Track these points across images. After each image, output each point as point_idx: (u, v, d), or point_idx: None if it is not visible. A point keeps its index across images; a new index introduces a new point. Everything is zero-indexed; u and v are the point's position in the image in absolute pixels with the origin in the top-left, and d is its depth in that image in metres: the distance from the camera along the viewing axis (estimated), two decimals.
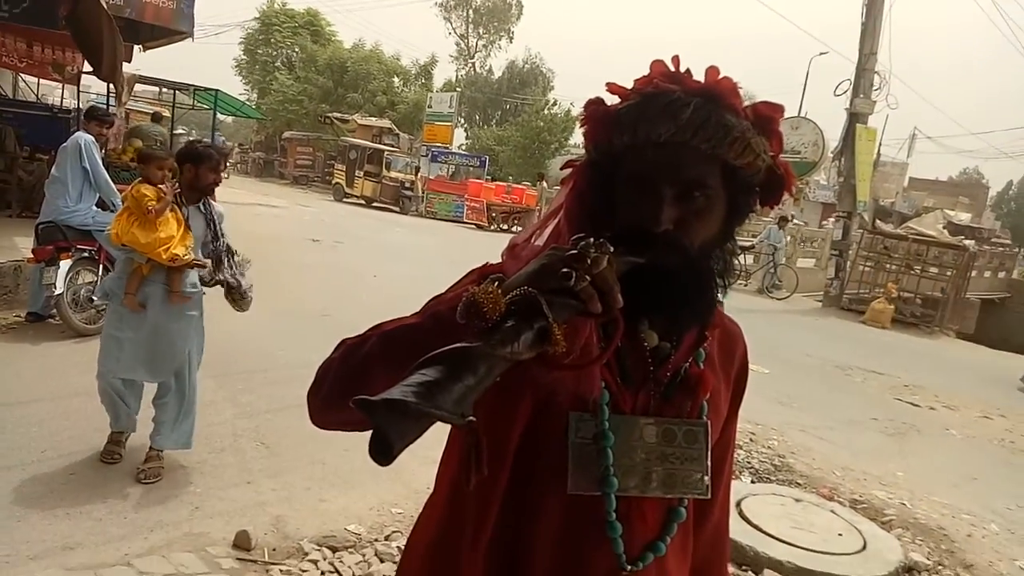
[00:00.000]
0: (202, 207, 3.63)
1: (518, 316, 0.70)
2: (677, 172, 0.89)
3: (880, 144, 25.38)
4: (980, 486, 5.11)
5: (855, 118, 14.30)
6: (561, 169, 1.07)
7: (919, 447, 5.99)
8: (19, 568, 2.68)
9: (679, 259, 0.89)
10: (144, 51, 10.75)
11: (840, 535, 3.77)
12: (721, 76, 0.91)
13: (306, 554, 3.03)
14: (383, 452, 0.62)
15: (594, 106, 0.95)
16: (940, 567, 3.70)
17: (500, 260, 0.97)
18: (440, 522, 0.96)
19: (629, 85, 0.93)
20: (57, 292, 5.23)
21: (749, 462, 4.83)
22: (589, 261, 0.73)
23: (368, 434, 0.62)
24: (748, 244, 15.24)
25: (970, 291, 15.57)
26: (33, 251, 5.50)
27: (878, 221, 18.24)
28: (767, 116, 0.93)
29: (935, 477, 5.13)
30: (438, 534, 0.96)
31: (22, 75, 13.26)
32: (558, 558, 0.93)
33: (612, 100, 0.94)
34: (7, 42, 9.96)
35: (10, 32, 9.87)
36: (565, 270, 0.72)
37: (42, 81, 14.41)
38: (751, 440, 5.26)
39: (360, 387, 0.64)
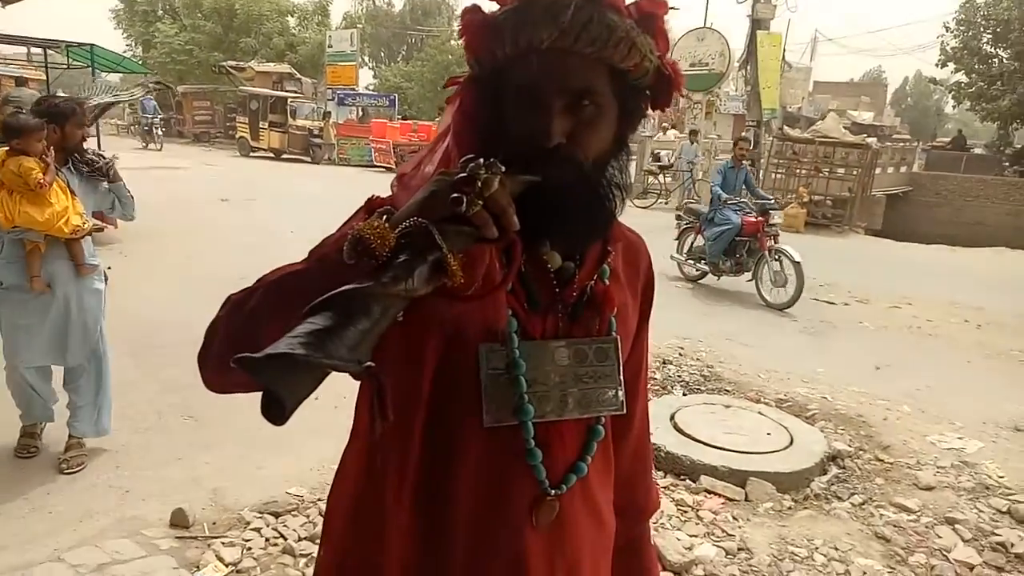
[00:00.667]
0: (72, 167, 3.37)
1: (410, 250, 0.66)
2: (564, 81, 0.85)
3: (784, 50, 25.83)
4: (893, 372, 5.45)
5: (757, 24, 14.46)
6: (444, 87, 1.00)
7: (836, 343, 6.32)
8: None
9: (574, 174, 0.86)
10: (4, 6, 9.78)
11: (769, 434, 3.96)
12: None
13: (248, 523, 2.98)
14: (275, 412, 0.57)
15: (471, 15, 0.89)
16: (861, 452, 3.94)
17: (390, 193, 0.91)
18: (360, 477, 0.93)
19: None
20: None
21: (680, 375, 4.99)
22: (480, 184, 0.68)
23: None
24: (666, 164, 15.43)
25: (876, 188, 16.26)
26: None
27: (786, 127, 18.73)
28: (650, 13, 0.88)
29: (852, 369, 5.43)
30: (359, 490, 0.93)
31: None
32: (481, 494, 0.91)
33: (492, 8, 0.88)
34: None
35: None
36: (455, 196, 0.67)
37: None
38: (680, 355, 5.43)
39: (248, 345, 0.58)
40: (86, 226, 3.27)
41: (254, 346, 0.57)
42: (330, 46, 27.29)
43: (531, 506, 0.93)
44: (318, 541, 2.86)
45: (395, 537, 0.90)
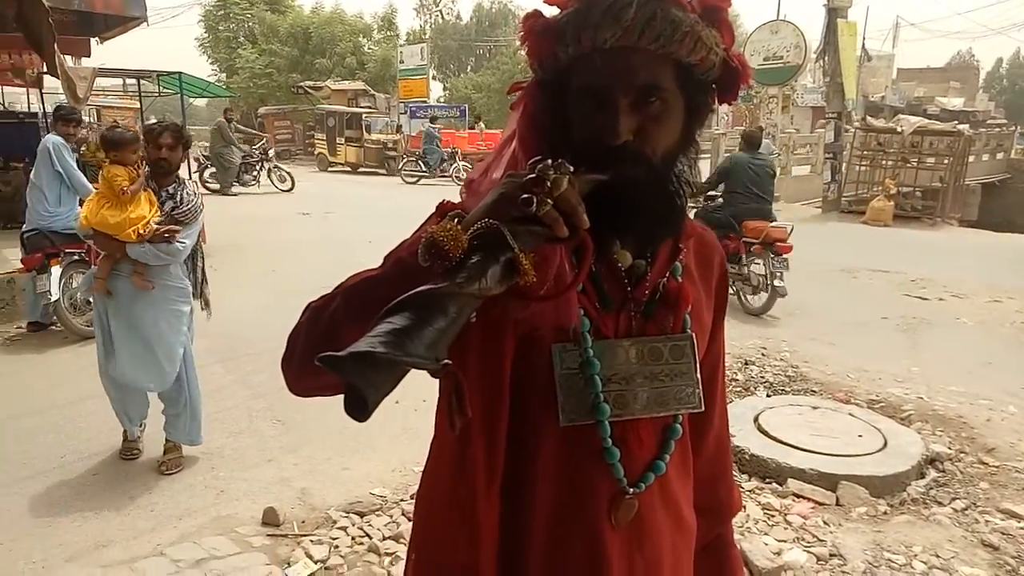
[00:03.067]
0: (172, 190, 3.43)
1: (482, 251, 0.67)
2: (629, 78, 0.84)
3: (864, 38, 24.84)
4: (995, 370, 5.12)
5: (834, 13, 13.94)
6: (508, 94, 1.01)
7: (932, 340, 5.99)
8: (56, 571, 2.71)
9: (643, 171, 0.85)
10: (102, 43, 10.45)
11: (860, 436, 3.79)
12: None
13: (335, 522, 3.06)
14: (358, 408, 0.60)
15: (532, 19, 0.89)
16: (962, 454, 3.72)
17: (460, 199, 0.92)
18: (452, 467, 0.93)
19: None
20: (53, 299, 5.20)
21: (763, 376, 4.84)
22: (549, 184, 0.69)
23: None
24: None
25: (969, 177, 15.40)
26: (22, 261, 5.46)
27: (869, 118, 17.94)
28: (714, 6, 0.87)
29: (950, 367, 5.14)
30: (453, 480, 0.93)
31: None
32: (560, 491, 0.91)
33: (553, 12, 0.88)
34: None
35: None
36: (525, 196, 0.68)
37: (6, 89, 14.13)
38: (763, 355, 5.27)
39: (329, 347, 0.60)
40: (145, 231, 3.28)
41: (335, 348, 0.59)
42: (401, 61, 27.97)
43: (610, 504, 0.92)
44: (402, 540, 2.92)
45: (487, 533, 0.90)
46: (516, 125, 0.94)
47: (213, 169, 15.58)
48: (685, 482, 1.03)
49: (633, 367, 0.93)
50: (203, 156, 16.23)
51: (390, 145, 23.06)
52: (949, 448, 3.76)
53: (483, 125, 24.00)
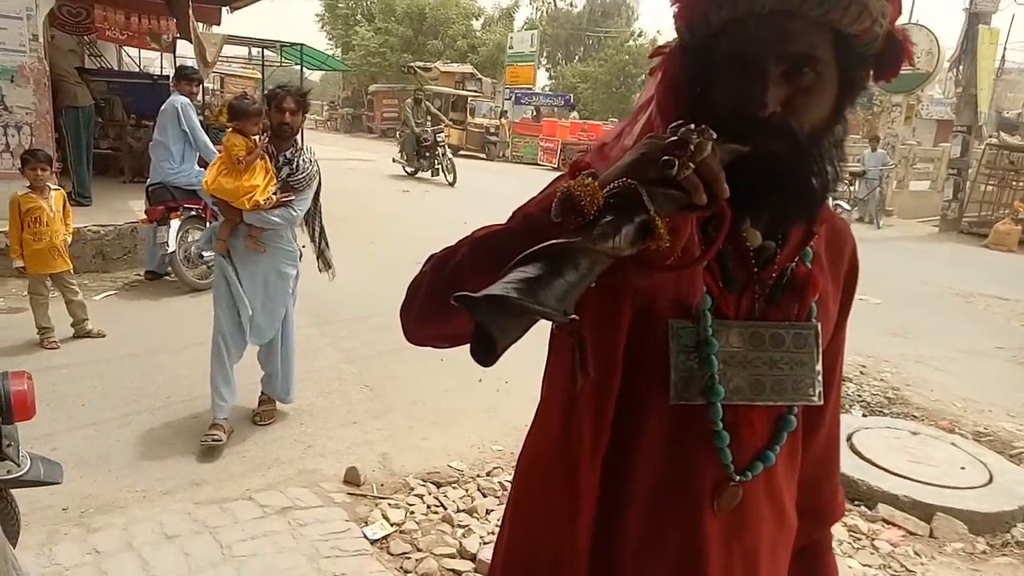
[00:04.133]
0: (290, 155, 3.51)
1: (617, 210, 0.65)
2: (784, 45, 0.79)
3: (1005, 48, 23.05)
4: None
5: (976, 18, 12.99)
6: (650, 58, 0.97)
7: None
8: (154, 502, 2.91)
9: (787, 145, 0.81)
10: (232, 12, 11.03)
11: (963, 468, 3.56)
12: None
13: (412, 489, 3.14)
14: (486, 350, 0.60)
15: None
16: None
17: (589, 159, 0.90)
18: (558, 434, 0.92)
19: None
20: (170, 250, 5.55)
21: (860, 395, 4.62)
22: (692, 148, 0.66)
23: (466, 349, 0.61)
24: (859, 170, 14.27)
25: None
26: (146, 212, 5.84)
27: (1003, 134, 16.67)
28: None
29: None
30: (557, 447, 0.92)
31: (124, 48, 13.94)
32: (664, 469, 0.89)
33: None
34: (109, 16, 10.45)
35: (110, 6, 10.35)
36: (666, 158, 0.66)
37: (143, 53, 15.12)
38: (862, 373, 5.02)
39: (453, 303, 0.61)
40: (266, 203, 3.40)
41: None
42: (511, 47, 28.10)
43: (713, 489, 0.89)
44: (475, 515, 2.96)
45: (587, 501, 0.89)
46: (654, 91, 0.91)
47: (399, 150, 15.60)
48: (791, 478, 0.99)
49: (752, 352, 0.89)
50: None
51: (492, 130, 23.28)
52: None
53: (576, 115, 23.78)
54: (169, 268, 5.88)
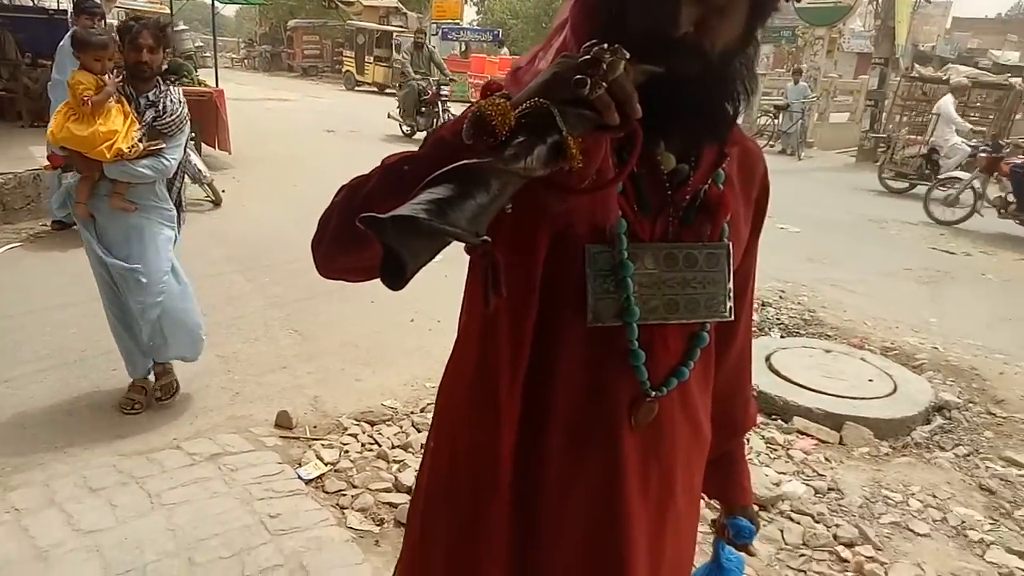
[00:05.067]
0: (153, 97, 2.98)
1: (529, 130, 0.65)
2: None
3: None
4: (1015, 326, 5.06)
5: None
6: None
7: (954, 293, 5.91)
8: (76, 457, 2.83)
9: (700, 66, 0.81)
10: None
11: (870, 381, 3.79)
12: None
13: (346, 429, 3.15)
14: (396, 273, 0.59)
15: None
16: (971, 404, 3.72)
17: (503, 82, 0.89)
18: (476, 360, 0.93)
19: None
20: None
21: (779, 318, 4.82)
22: (604, 67, 0.66)
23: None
24: (782, 103, 14.54)
25: (1015, 134, 14.81)
26: (48, 158, 5.47)
27: (917, 66, 17.23)
28: None
29: (969, 321, 5.08)
30: (476, 373, 0.93)
31: None
32: (583, 390, 0.91)
33: None
34: None
35: None
36: (578, 77, 0.65)
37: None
38: (780, 297, 5.23)
39: (364, 231, 0.59)
40: (132, 151, 2.88)
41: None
42: None
43: (630, 406, 0.92)
44: (411, 450, 3.00)
45: (506, 423, 0.91)
46: (568, 13, 0.90)
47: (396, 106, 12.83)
48: (705, 392, 1.03)
49: (667, 273, 0.91)
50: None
51: None
52: (958, 398, 3.75)
53: (506, 51, 23.36)
54: None
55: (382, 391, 3.52)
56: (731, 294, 0.95)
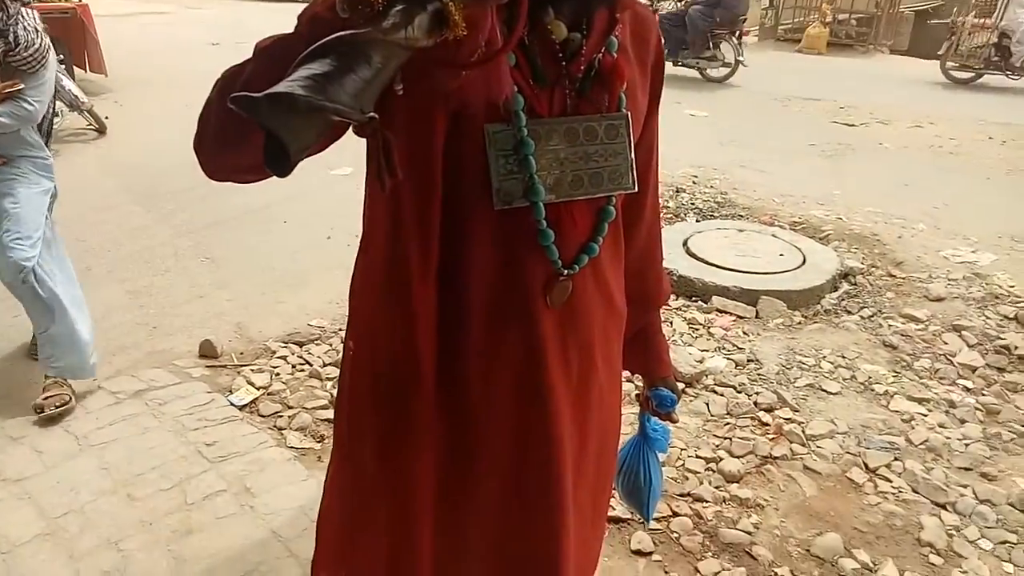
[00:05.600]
0: (2, 24, 2.36)
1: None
2: None
3: None
4: (911, 191, 5.35)
5: None
6: None
7: (855, 165, 6.17)
8: None
9: None
10: None
11: (781, 255, 3.97)
12: None
13: (274, 352, 3.09)
14: (279, 158, 0.55)
15: None
16: (874, 268, 3.96)
17: None
18: (385, 255, 0.92)
19: None
20: None
21: (693, 203, 4.94)
22: None
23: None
24: None
25: (904, 4, 15.21)
26: None
27: None
28: None
29: (869, 190, 5.34)
30: (386, 268, 0.92)
31: None
32: (495, 274, 0.91)
33: None
34: None
35: None
36: None
37: None
38: (694, 183, 5.34)
39: (245, 120, 0.54)
40: None
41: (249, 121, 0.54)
42: None
43: (544, 286, 0.92)
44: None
45: (423, 318, 0.90)
46: None
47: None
48: (617, 267, 1.04)
49: (568, 148, 0.89)
50: None
51: None
52: (862, 263, 3.99)
53: None
54: None
55: (307, 311, 3.45)
56: (633, 165, 0.95)
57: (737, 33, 9.50)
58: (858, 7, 14.01)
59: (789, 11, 14.46)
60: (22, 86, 2.41)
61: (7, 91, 2.37)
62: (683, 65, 9.65)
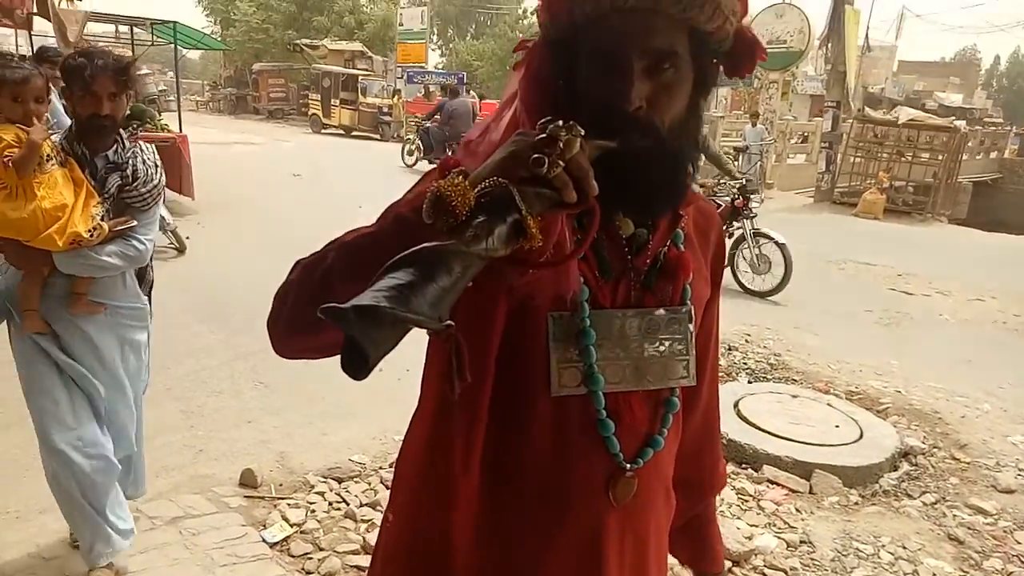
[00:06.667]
0: (115, 157, 2.20)
1: (489, 210, 0.64)
2: (647, 41, 0.82)
3: (868, 28, 24.67)
4: (974, 368, 5.18)
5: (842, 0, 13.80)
6: (514, 52, 0.97)
7: (914, 335, 6.05)
8: (30, 522, 2.70)
9: (652, 140, 0.83)
10: None
11: (837, 427, 3.84)
12: None
13: (312, 487, 3.07)
14: (359, 364, 0.57)
15: None
16: (935, 449, 3.78)
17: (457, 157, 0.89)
18: (428, 444, 0.92)
19: None
20: None
21: (745, 363, 4.88)
22: (561, 145, 0.66)
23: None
24: (741, 145, 14.95)
25: (962, 174, 15.45)
26: None
27: (867, 108, 17.90)
28: None
29: (930, 363, 5.19)
30: (427, 459, 0.92)
31: None
32: (553, 466, 0.90)
33: None
34: None
35: None
36: (536, 156, 0.66)
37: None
38: (747, 341, 5.30)
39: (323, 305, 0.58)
40: (94, 236, 2.10)
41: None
42: (401, 24, 27.52)
43: (607, 480, 0.91)
44: (379, 508, 2.93)
45: (463, 506, 0.89)
46: (518, 86, 0.90)
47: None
48: (673, 457, 1.03)
49: (630, 338, 0.91)
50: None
51: (385, 109, 22.81)
52: (923, 443, 3.81)
53: (475, 94, 23.66)
54: None
55: (349, 445, 3.45)
56: (694, 358, 0.96)
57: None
58: (916, 175, 14.26)
59: (845, 175, 14.79)
60: (134, 223, 2.22)
61: (119, 228, 2.18)
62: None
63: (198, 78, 44.17)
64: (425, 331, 0.62)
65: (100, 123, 2.14)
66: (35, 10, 9.68)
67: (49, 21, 7.74)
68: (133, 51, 11.99)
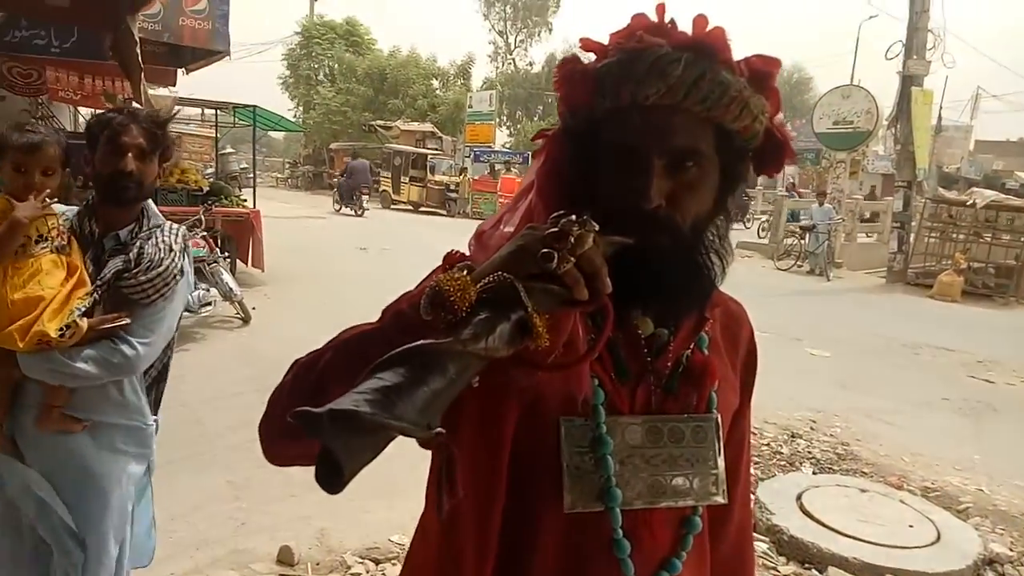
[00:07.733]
0: (127, 237, 1.81)
1: (493, 307, 0.61)
2: (667, 139, 0.79)
3: (941, 108, 24.27)
4: None
5: (909, 81, 13.64)
6: (532, 140, 0.95)
7: (997, 427, 5.62)
8: None
9: (671, 238, 0.79)
10: (187, 74, 11.05)
11: (911, 527, 3.54)
12: (711, 26, 0.80)
13: (349, 567, 3.00)
14: (330, 477, 0.52)
15: (570, 65, 0.84)
16: None
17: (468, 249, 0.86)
18: (439, 551, 0.85)
19: (605, 40, 0.82)
20: None
21: (810, 452, 4.61)
22: (572, 240, 0.63)
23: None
24: (808, 224, 14.69)
25: None
26: None
27: (942, 189, 17.38)
28: (763, 71, 0.81)
29: (1016, 460, 4.79)
30: (439, 566, 0.85)
31: (79, 108, 13.82)
32: None
33: (592, 59, 0.83)
34: (61, 77, 10.35)
35: (63, 67, 10.26)
36: (545, 251, 0.62)
37: (97, 111, 15.00)
38: (812, 428, 5.03)
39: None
40: (66, 337, 1.65)
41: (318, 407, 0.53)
42: (470, 106, 28.68)
43: None
44: None
45: None
46: (535, 176, 0.88)
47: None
48: None
49: (651, 449, 0.84)
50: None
51: (452, 187, 23.50)
52: (1011, 550, 3.47)
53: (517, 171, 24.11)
54: None
55: (390, 524, 3.37)
56: (723, 473, 0.88)
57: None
58: (996, 256, 13.62)
59: (919, 256, 14.26)
60: (127, 321, 1.74)
61: (104, 327, 1.71)
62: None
63: (281, 156, 46.72)
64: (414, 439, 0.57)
65: (122, 183, 1.74)
66: (131, 96, 10.52)
67: (142, 106, 8.36)
68: (216, 132, 12.82)
